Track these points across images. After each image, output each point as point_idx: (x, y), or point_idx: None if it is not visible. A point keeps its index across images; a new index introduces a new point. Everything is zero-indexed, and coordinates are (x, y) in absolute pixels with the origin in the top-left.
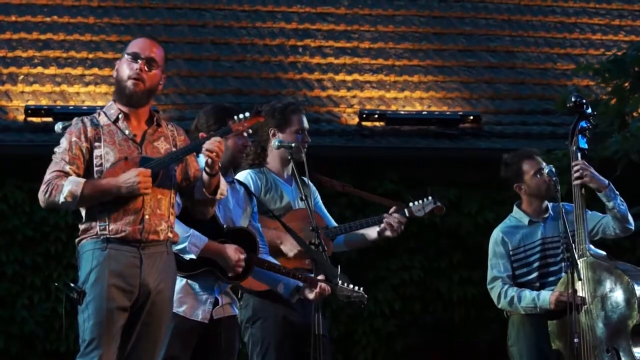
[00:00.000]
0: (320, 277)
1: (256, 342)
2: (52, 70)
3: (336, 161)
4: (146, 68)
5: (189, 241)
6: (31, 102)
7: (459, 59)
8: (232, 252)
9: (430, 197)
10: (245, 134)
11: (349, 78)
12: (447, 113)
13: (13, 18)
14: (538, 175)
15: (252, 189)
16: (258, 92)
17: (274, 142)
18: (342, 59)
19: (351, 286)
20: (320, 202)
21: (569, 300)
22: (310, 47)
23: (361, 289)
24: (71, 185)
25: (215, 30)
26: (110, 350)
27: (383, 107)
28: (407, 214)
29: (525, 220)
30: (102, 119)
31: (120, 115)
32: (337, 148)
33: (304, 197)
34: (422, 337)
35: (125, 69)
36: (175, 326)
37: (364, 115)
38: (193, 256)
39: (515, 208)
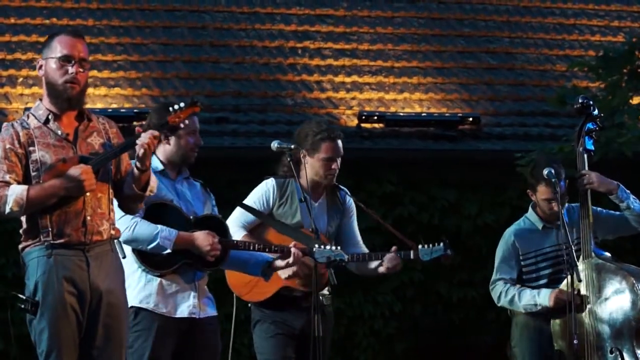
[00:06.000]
0: (291, 245)
1: (257, 344)
2: None
3: None
4: (80, 70)
5: (160, 236)
6: (30, 105)
7: (458, 61)
8: (204, 237)
9: (442, 244)
10: (182, 125)
11: (348, 80)
12: (446, 114)
13: (12, 20)
14: (546, 202)
15: (265, 199)
16: (257, 94)
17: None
18: (341, 60)
19: (328, 247)
20: (354, 223)
21: (569, 299)
22: (309, 49)
23: (339, 247)
24: (15, 195)
25: (214, 32)
26: (70, 359)
27: (382, 109)
28: (411, 257)
29: (539, 225)
30: (32, 122)
31: (50, 116)
32: None
33: (303, 199)
34: (422, 339)
35: (58, 72)
36: (159, 326)
37: (363, 117)
38: (169, 250)
39: (530, 210)
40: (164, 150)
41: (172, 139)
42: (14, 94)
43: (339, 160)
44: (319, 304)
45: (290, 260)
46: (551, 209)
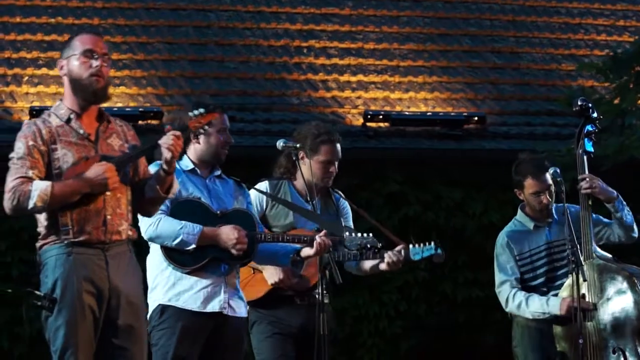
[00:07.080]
0: (321, 233)
1: (254, 345)
2: (56, 71)
3: (341, 162)
4: (104, 64)
5: (184, 232)
6: (36, 103)
7: (464, 60)
8: (229, 230)
9: (432, 243)
10: (202, 131)
11: (353, 79)
12: (452, 114)
13: (18, 19)
14: (534, 196)
15: (258, 201)
16: (262, 93)
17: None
18: (347, 59)
19: (359, 234)
20: (350, 224)
21: (577, 305)
22: (314, 48)
23: (370, 234)
24: (39, 190)
25: (219, 31)
26: (86, 358)
27: (388, 108)
28: (402, 255)
29: (530, 225)
30: (54, 120)
31: (72, 115)
32: (342, 149)
33: (308, 199)
34: (426, 339)
35: (82, 67)
36: (184, 325)
37: (369, 116)
38: (193, 245)
39: (519, 212)
40: (195, 149)
41: (202, 138)
42: (20, 92)
43: (336, 164)
44: (318, 303)
45: (313, 251)
46: (540, 202)
